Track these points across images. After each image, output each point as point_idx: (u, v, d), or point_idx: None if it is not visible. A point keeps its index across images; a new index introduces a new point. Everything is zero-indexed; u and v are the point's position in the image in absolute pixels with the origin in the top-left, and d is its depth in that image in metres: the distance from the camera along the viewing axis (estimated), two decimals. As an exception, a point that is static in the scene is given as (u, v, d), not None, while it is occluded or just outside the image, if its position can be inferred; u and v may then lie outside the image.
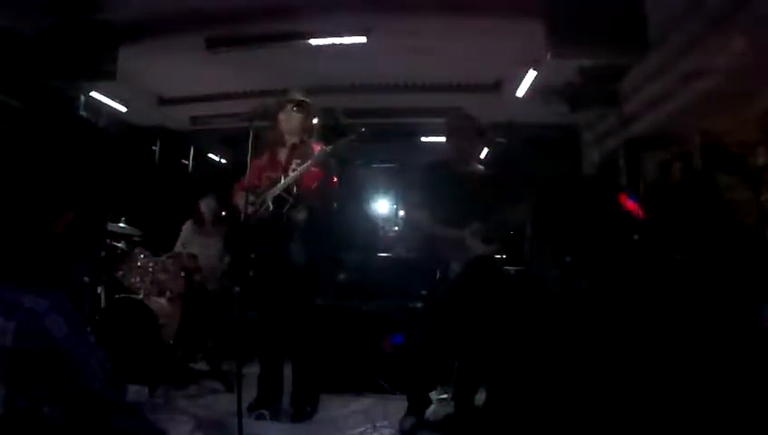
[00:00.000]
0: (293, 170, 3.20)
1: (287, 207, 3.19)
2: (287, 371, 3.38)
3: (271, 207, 3.20)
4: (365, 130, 3.25)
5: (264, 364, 3.35)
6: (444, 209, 3.16)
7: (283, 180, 3.21)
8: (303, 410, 3.26)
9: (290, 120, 3.31)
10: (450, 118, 3.48)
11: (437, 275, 3.14)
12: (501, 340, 3.27)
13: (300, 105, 3.33)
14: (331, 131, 3.56)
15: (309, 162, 3.16)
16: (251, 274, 3.12)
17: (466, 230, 3.14)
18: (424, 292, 3.52)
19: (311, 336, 3.36)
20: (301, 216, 3.20)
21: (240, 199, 3.18)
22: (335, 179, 3.26)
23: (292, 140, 3.34)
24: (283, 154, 3.35)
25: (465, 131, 3.34)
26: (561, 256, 4.22)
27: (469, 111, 3.48)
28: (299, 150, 3.30)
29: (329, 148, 3.18)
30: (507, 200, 3.23)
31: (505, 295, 3.36)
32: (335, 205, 3.37)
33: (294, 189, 3.19)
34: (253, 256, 3.14)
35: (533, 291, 3.89)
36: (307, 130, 3.36)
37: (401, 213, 6.78)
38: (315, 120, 3.44)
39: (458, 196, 3.17)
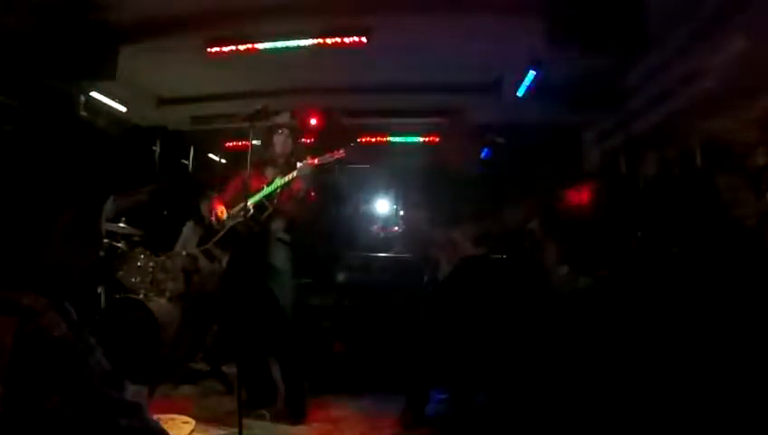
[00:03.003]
0: (274, 182, 3.37)
1: (267, 214, 3.34)
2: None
3: (251, 211, 3.30)
4: (354, 145, 3.31)
5: (246, 367, 3.36)
6: (438, 210, 3.19)
7: (264, 189, 3.36)
8: (295, 411, 3.26)
9: (285, 143, 3.49)
10: (445, 120, 3.53)
11: (428, 275, 3.17)
12: (496, 339, 3.27)
13: (290, 128, 3.55)
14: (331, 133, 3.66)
15: (293, 175, 3.30)
16: (233, 278, 3.30)
17: (457, 231, 3.16)
18: (418, 291, 3.53)
19: (293, 338, 3.41)
20: (279, 223, 3.40)
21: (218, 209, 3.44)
22: (312, 192, 3.45)
23: (281, 158, 3.50)
24: (269, 171, 3.48)
25: (459, 133, 3.37)
26: (562, 254, 4.22)
27: (464, 114, 3.51)
28: (284, 165, 3.47)
29: (315, 161, 3.30)
30: (502, 201, 3.24)
31: (497, 294, 3.36)
32: (313, 214, 3.50)
33: (275, 199, 3.35)
34: (235, 261, 3.33)
35: (530, 290, 3.89)
36: (293, 147, 3.58)
37: (400, 213, 6.79)
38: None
39: (452, 197, 3.20)
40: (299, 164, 3.31)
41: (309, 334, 3.87)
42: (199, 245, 4.00)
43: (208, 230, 3.56)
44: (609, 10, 3.71)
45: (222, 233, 3.39)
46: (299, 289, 3.72)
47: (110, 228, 4.20)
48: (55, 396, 0.85)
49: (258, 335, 3.36)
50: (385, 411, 3.36)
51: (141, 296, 4.04)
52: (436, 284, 3.17)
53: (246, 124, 3.17)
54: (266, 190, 3.34)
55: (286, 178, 3.31)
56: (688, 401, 2.56)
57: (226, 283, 3.45)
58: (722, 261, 3.06)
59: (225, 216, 3.40)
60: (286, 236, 3.44)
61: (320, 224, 3.76)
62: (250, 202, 3.27)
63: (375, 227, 6.75)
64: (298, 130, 3.64)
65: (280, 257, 3.37)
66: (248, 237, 3.29)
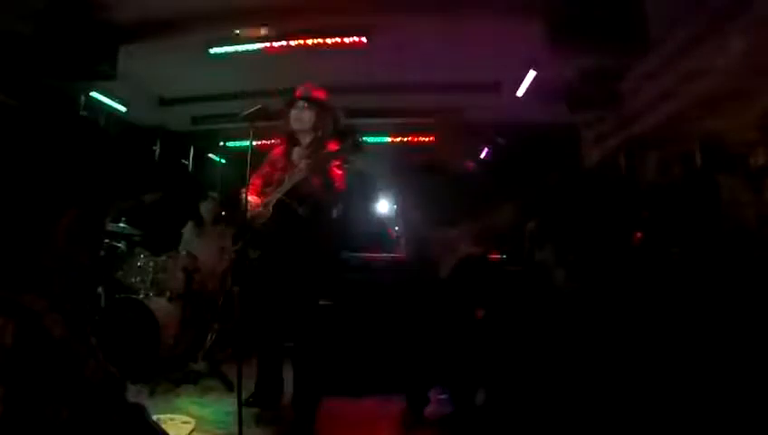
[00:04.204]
0: (300, 170, 3.09)
1: (291, 206, 3.16)
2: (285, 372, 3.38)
3: (271, 209, 3.18)
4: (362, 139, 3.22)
5: (263, 364, 3.34)
6: (435, 210, 3.18)
7: (288, 180, 3.12)
8: (305, 411, 3.25)
9: (301, 118, 3.19)
10: (438, 119, 3.50)
11: (429, 274, 3.16)
12: (497, 338, 3.28)
13: (311, 102, 3.21)
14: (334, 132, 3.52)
15: (314, 164, 3.04)
16: (254, 273, 3.14)
17: (455, 230, 3.16)
18: (418, 291, 3.52)
19: (312, 337, 3.35)
20: (304, 216, 3.13)
21: (253, 199, 3.16)
22: (339, 182, 3.14)
23: (304, 139, 3.23)
24: (295, 153, 3.23)
25: (453, 132, 3.36)
26: (562, 254, 4.22)
27: (459, 111, 3.49)
28: (310, 150, 3.18)
29: (336, 150, 3.09)
30: (499, 200, 3.24)
31: (497, 294, 3.37)
32: (339, 207, 3.35)
33: (299, 189, 3.09)
34: (257, 255, 3.16)
35: (530, 290, 3.89)
36: (320, 128, 3.21)
37: (399, 213, 6.75)
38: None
39: (448, 196, 3.19)
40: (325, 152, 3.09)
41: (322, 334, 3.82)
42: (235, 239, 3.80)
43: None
44: (609, 10, 3.71)
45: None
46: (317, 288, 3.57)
47: (110, 228, 4.20)
48: (55, 397, 0.85)
49: (276, 333, 3.28)
50: (385, 411, 3.36)
51: (141, 296, 4.04)
52: (438, 283, 3.16)
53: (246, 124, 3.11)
54: (289, 181, 3.09)
55: (307, 169, 3.04)
56: (688, 400, 2.57)
57: (253, 272, 3.23)
58: (722, 261, 3.06)
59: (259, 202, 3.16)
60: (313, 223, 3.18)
61: (339, 219, 3.54)
62: (274, 197, 3.11)
63: (389, 229, 6.67)
64: (321, 102, 3.21)
65: (304, 252, 3.17)
66: (273, 231, 3.14)
